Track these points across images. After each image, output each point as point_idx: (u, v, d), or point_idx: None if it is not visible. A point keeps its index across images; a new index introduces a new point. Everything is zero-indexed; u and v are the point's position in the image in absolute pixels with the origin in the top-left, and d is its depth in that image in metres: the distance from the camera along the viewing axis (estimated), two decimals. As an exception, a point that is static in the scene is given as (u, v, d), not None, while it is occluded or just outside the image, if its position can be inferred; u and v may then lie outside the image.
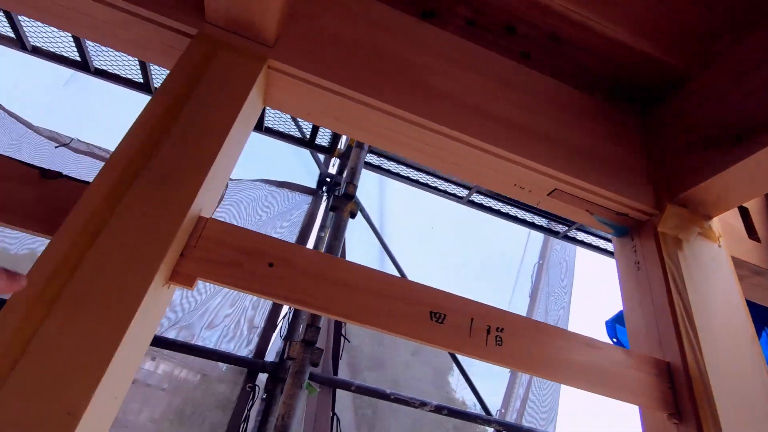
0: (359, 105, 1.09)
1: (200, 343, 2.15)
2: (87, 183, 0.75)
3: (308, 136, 2.68)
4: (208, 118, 0.84)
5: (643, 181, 1.23)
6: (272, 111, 2.62)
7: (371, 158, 2.63)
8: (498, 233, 3.60)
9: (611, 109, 1.37)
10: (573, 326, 3.54)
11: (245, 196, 2.60)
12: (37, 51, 2.27)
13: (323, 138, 2.77)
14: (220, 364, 2.26)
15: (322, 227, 2.55)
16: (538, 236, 3.77)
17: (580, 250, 3.59)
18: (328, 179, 2.77)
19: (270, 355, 2.30)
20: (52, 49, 2.24)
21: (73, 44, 2.20)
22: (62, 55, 2.25)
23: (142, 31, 0.99)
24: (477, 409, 2.84)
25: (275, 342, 2.37)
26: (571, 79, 1.33)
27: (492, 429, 3.05)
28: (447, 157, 1.19)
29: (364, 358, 2.95)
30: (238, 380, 2.26)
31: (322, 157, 2.91)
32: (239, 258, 0.80)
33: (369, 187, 3.10)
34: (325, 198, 2.71)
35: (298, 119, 2.66)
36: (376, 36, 1.16)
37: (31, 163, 0.77)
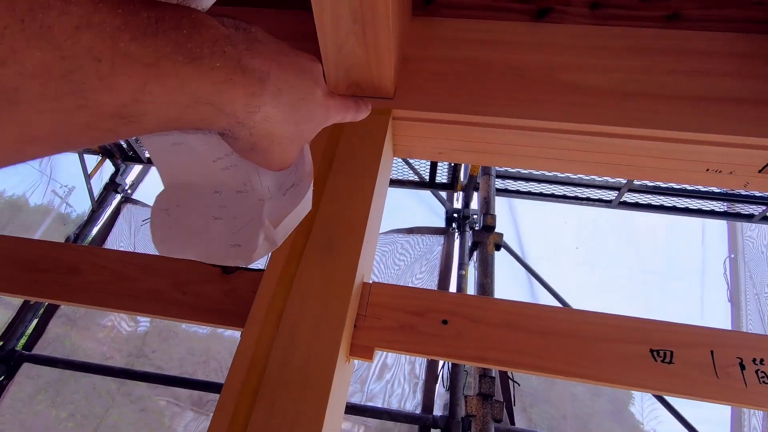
0: (489, 129, 1.00)
1: (369, 402, 2.15)
2: (261, 270, 0.78)
3: (427, 178, 2.67)
4: (351, 182, 0.84)
5: None
6: (388, 162, 2.68)
7: (498, 183, 2.47)
8: (662, 233, 3.05)
9: (817, 45, 1.04)
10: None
11: (379, 250, 2.65)
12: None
13: (442, 175, 2.73)
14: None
15: (461, 265, 2.44)
16: (718, 226, 3.09)
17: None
18: (455, 215, 2.69)
19: (437, 408, 2.19)
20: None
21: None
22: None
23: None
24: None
25: (439, 393, 2.26)
26: (748, 26, 1.06)
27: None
28: (610, 159, 1.01)
29: (526, 395, 2.64)
30: (412, 437, 2.18)
31: (444, 194, 2.85)
32: (411, 320, 0.75)
33: (498, 216, 2.92)
34: (457, 234, 2.62)
35: (412, 162, 2.67)
36: (490, 52, 1.08)
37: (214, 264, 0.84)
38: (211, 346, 2.94)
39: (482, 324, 0.73)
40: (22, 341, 2.38)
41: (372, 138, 0.91)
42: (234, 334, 2.91)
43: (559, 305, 2.33)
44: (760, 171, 0.94)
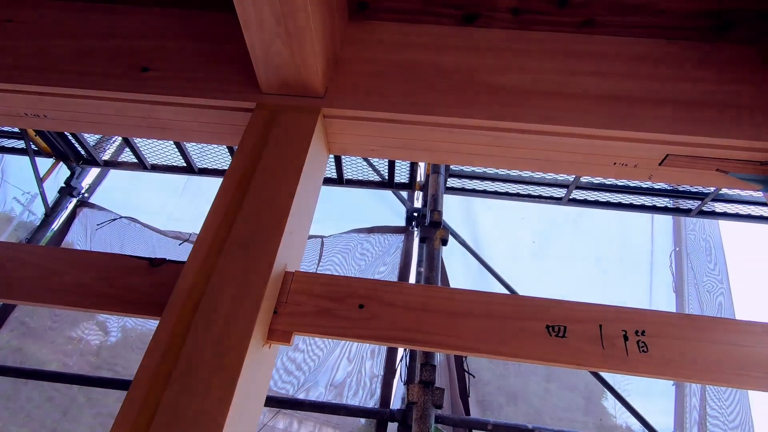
0: (419, 126, 1.06)
1: (328, 399, 2.18)
2: (183, 263, 0.80)
3: (386, 178, 2.72)
4: (275, 177, 0.88)
5: (784, 118, 0.99)
6: (350, 163, 2.72)
7: (453, 182, 2.55)
8: (613, 229, 3.19)
9: (712, 48, 1.15)
10: (743, 315, 2.89)
11: (341, 248, 2.68)
12: (155, 168, 2.69)
13: (401, 175, 2.79)
14: (358, 419, 2.26)
15: (419, 262, 2.50)
16: (665, 221, 3.26)
17: (725, 224, 3.01)
18: (415, 213, 2.76)
19: (396, 402, 2.24)
20: (165, 163, 2.64)
21: (180, 156, 2.57)
22: (174, 165, 2.63)
23: (209, 118, 1.09)
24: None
25: (398, 388, 2.31)
26: (653, 31, 1.16)
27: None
28: (528, 154, 1.09)
29: (494, 393, 2.72)
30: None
31: (405, 194, 2.92)
32: (329, 305, 0.79)
33: (456, 213, 2.99)
34: (416, 233, 2.68)
35: (373, 163, 2.72)
36: (420, 55, 1.14)
37: (139, 255, 0.86)
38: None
39: (396, 307, 0.78)
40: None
41: (299, 135, 0.95)
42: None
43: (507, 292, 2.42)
44: (660, 164, 1.03)
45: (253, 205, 0.83)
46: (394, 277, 2.60)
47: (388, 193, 2.93)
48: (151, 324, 2.75)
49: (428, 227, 2.09)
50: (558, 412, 2.93)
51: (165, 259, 0.84)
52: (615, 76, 1.08)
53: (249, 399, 0.68)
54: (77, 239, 2.72)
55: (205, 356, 0.66)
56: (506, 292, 2.34)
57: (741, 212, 2.66)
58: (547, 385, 3.00)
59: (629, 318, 0.77)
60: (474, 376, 2.15)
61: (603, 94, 1.04)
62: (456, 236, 2.16)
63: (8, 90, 1.11)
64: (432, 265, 1.99)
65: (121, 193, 3.17)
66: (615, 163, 1.06)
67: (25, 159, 3.00)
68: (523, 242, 2.93)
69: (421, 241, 2.14)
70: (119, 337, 2.95)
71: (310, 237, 2.81)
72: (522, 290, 2.50)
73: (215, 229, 0.80)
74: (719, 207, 2.62)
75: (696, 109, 1.01)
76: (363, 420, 2.28)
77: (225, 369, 0.64)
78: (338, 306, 0.79)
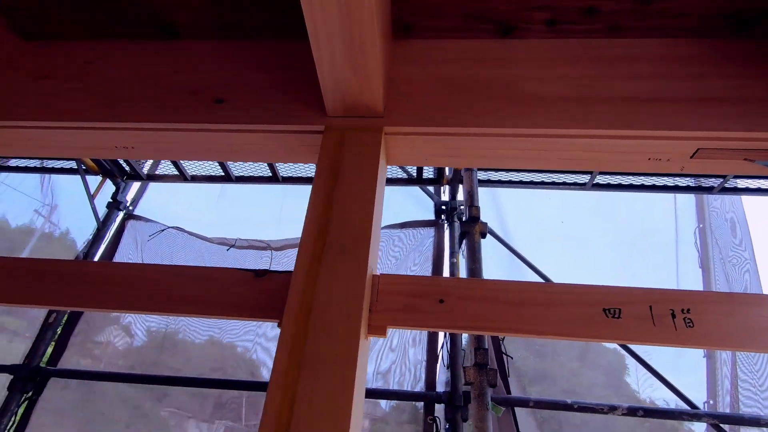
0: (467, 137, 1.17)
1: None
2: (288, 272, 0.94)
3: (414, 175, 2.84)
4: (355, 191, 1.01)
5: (806, 109, 1.08)
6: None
7: (480, 175, 2.66)
8: (638, 209, 3.27)
9: (733, 45, 1.24)
10: (770, 288, 2.96)
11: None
12: (194, 178, 2.85)
13: (428, 170, 2.90)
14: (398, 405, 2.41)
15: (452, 253, 2.63)
16: (688, 198, 3.33)
17: (748, 199, 3.07)
18: (443, 207, 2.88)
19: (440, 385, 2.39)
20: (204, 173, 2.79)
21: (218, 165, 2.72)
22: (213, 175, 2.79)
23: (279, 141, 1.22)
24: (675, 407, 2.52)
25: (440, 373, 2.46)
26: (678, 32, 1.25)
27: (704, 424, 2.66)
28: (566, 155, 1.20)
29: (528, 374, 2.85)
30: (418, 416, 2.38)
31: (431, 188, 3.03)
32: (414, 301, 0.92)
33: (482, 203, 3.10)
34: (446, 225, 2.80)
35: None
36: (463, 69, 1.25)
37: (242, 268, 1.00)
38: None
39: (470, 300, 0.91)
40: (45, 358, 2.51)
41: (369, 153, 1.08)
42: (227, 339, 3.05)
43: (540, 279, 2.54)
44: (691, 157, 1.13)
45: (341, 217, 0.96)
46: (427, 269, 2.74)
47: (415, 189, 3.05)
48: (172, 326, 2.92)
49: (467, 222, 2.22)
50: (581, 389, 3.04)
51: (267, 270, 0.98)
52: (646, 77, 1.18)
53: (361, 383, 0.82)
54: (129, 250, 2.91)
55: (325, 350, 0.80)
56: (539, 279, 2.46)
57: (763, 186, 2.72)
58: (571, 364, 3.12)
59: (675, 298, 0.89)
60: (512, 357, 2.29)
61: (636, 96, 1.14)
62: (489, 230, 2.29)
63: (101, 127, 1.25)
64: (474, 257, 2.13)
65: (160, 203, 3.35)
66: (649, 159, 1.16)
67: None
68: (550, 224, 3.04)
69: (461, 236, 2.27)
70: (145, 340, 3.08)
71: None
72: (551, 272, 2.62)
73: (312, 241, 0.94)
74: (741, 183, 2.69)
75: (723, 105, 1.11)
76: (403, 406, 2.43)
77: (344, 359, 0.78)
78: (421, 302, 0.92)
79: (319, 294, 0.86)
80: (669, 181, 2.70)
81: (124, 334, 3.05)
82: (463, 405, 2.15)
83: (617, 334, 0.87)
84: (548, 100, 1.16)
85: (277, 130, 1.18)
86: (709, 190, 2.66)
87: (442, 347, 2.44)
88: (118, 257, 2.87)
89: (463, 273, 2.56)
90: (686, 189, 2.75)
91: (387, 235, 2.84)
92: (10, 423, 2.29)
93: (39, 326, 2.58)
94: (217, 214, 3.21)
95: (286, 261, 2.70)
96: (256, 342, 2.80)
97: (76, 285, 0.95)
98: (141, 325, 2.96)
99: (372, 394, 2.30)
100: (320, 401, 0.74)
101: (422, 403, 2.29)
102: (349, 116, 1.15)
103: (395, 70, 1.27)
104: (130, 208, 3.13)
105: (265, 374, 2.81)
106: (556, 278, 2.47)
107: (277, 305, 0.93)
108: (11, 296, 0.98)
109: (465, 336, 2.46)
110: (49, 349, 2.55)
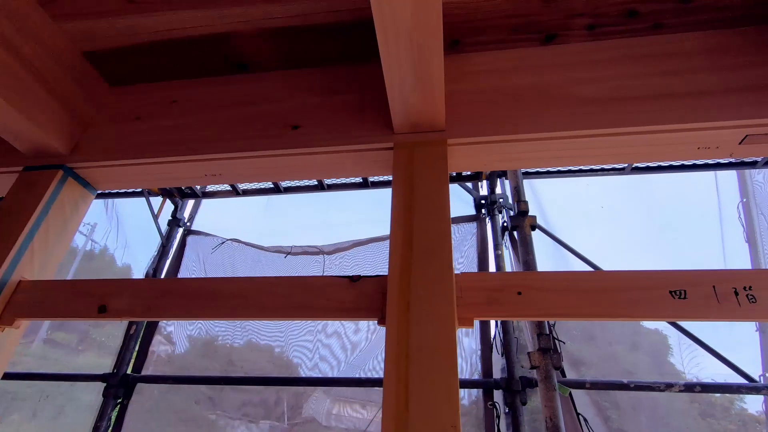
0: (521, 143, 1.28)
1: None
2: (381, 276, 1.08)
3: (453, 173, 2.94)
4: (431, 200, 1.13)
5: None
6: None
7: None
8: (679, 188, 3.27)
9: (775, 32, 1.29)
10: (823, 258, 2.92)
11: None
12: (245, 192, 3.05)
13: (466, 167, 3.00)
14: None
15: (496, 246, 2.73)
16: (729, 174, 3.31)
17: (793, 170, 3.02)
18: (483, 201, 2.97)
19: (496, 372, 2.50)
20: (255, 187, 2.98)
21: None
22: (263, 188, 2.98)
23: (351, 159, 1.36)
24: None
25: (496, 360, 2.57)
26: (717, 24, 1.32)
27: (760, 398, 2.68)
28: (614, 151, 1.28)
29: (568, 358, 2.91)
30: (477, 403, 2.50)
31: (469, 184, 3.13)
32: (494, 295, 1.04)
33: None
34: (488, 219, 2.90)
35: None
36: (511, 78, 1.36)
37: (340, 275, 1.14)
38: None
39: (546, 291, 1.03)
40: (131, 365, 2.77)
41: (438, 164, 1.21)
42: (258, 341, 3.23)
43: (589, 267, 2.61)
44: (739, 143, 1.21)
45: (422, 223, 1.09)
46: (473, 263, 2.85)
47: (453, 185, 3.15)
48: (213, 333, 3.10)
49: (516, 216, 2.32)
50: (632, 369, 3.07)
51: (360, 275, 1.12)
52: (689, 71, 1.25)
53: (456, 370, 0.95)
54: (191, 263, 3.14)
55: (427, 342, 0.93)
56: (587, 266, 2.53)
57: (809, 156, 2.69)
58: (611, 348, 3.15)
59: (736, 277, 0.98)
60: (564, 342, 2.38)
61: (682, 91, 1.22)
62: (539, 226, 2.38)
63: (193, 160, 1.42)
64: (527, 249, 2.23)
65: (213, 217, 3.58)
66: (699, 148, 1.24)
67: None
68: (590, 210, 3.08)
69: (512, 229, 2.37)
70: (187, 346, 3.27)
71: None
72: (597, 258, 2.68)
73: (401, 246, 1.07)
74: (786, 154, 2.66)
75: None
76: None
77: (445, 349, 0.92)
78: (501, 295, 1.04)
79: (414, 294, 0.99)
80: (710, 159, 2.71)
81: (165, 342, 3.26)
82: (522, 389, 2.26)
83: (684, 312, 0.96)
84: (598, 101, 1.25)
85: (351, 149, 1.32)
86: (752, 165, 2.65)
87: (494, 337, 2.54)
88: (183, 270, 3.11)
89: (508, 265, 2.66)
90: (728, 165, 2.76)
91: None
92: (107, 427, 2.55)
93: (122, 337, 2.84)
94: (266, 224, 3.41)
95: (339, 263, 2.85)
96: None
97: (207, 299, 1.12)
98: (182, 333, 3.16)
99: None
100: (432, 384, 0.88)
101: (480, 390, 2.41)
102: (416, 132, 1.28)
103: (449, 84, 1.38)
104: (188, 224, 3.36)
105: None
106: (602, 264, 2.54)
107: (374, 305, 1.07)
108: (189, 312, 1.16)
109: (514, 324, 2.56)
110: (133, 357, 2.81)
